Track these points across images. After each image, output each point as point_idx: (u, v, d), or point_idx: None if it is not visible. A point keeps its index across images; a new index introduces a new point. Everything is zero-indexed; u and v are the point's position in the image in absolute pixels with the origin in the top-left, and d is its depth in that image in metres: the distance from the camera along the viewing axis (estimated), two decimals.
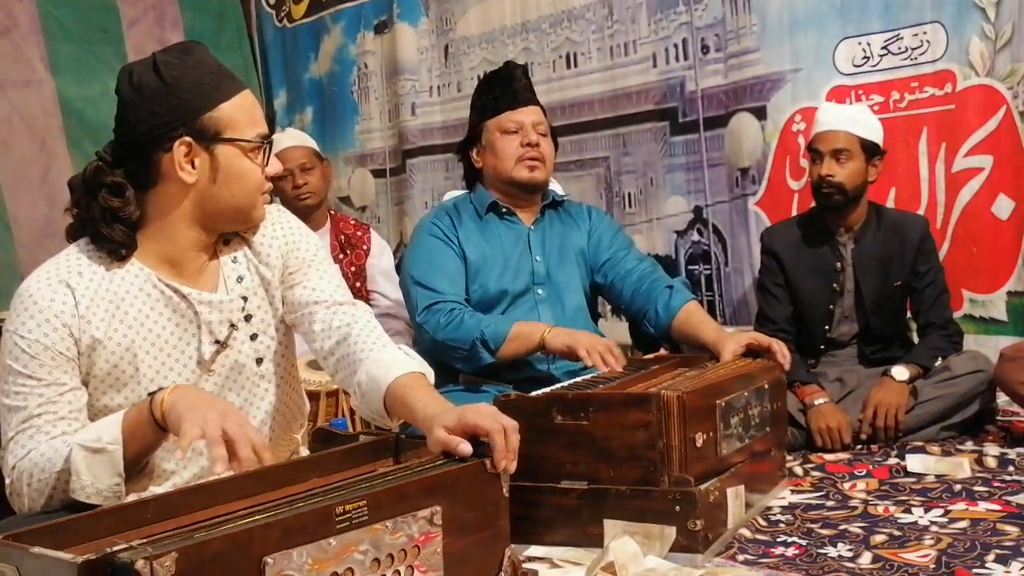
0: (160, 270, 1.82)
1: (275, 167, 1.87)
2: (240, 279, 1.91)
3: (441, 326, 2.70)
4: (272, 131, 1.98)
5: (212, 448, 1.54)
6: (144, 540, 1.25)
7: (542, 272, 2.89)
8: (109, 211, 1.76)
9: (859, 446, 2.90)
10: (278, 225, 1.97)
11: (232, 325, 1.88)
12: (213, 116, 1.76)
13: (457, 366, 2.75)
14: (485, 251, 2.85)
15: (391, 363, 1.82)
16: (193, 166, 1.77)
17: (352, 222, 4.03)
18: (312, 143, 4.05)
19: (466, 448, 1.62)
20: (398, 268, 4.08)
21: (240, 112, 1.80)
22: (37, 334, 1.72)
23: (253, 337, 1.91)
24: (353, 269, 3.86)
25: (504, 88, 2.91)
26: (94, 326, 1.75)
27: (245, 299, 1.90)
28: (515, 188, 2.89)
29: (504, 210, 2.92)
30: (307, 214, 3.82)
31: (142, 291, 1.81)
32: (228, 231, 1.90)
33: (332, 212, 4.05)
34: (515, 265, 2.86)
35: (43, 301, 1.73)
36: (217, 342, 1.86)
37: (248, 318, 1.90)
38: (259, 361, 1.93)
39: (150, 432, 1.66)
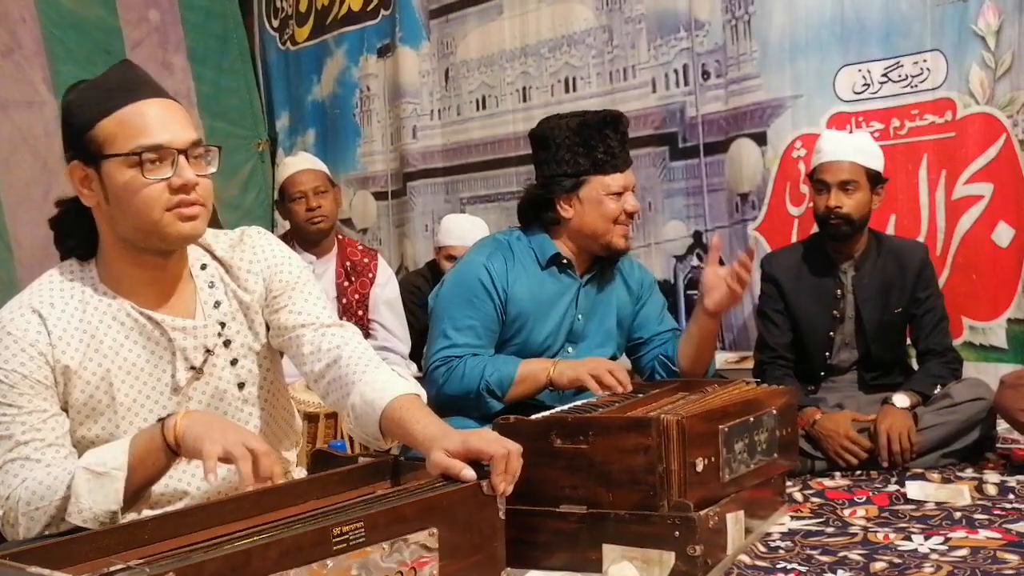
0: (133, 298, 1.80)
1: (183, 176, 1.69)
2: (217, 304, 1.88)
3: (442, 383, 2.62)
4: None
5: (242, 465, 1.54)
6: (141, 560, 1.25)
7: (579, 330, 2.81)
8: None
9: (874, 471, 2.89)
10: (258, 248, 1.94)
11: (208, 351, 1.85)
12: (92, 134, 1.70)
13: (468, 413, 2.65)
14: (534, 302, 2.74)
15: (384, 385, 1.80)
16: (92, 188, 1.73)
17: (360, 247, 3.98)
18: (324, 167, 4.01)
19: (470, 473, 1.62)
20: (411, 296, 4.05)
21: (121, 125, 1.69)
22: (14, 364, 1.70)
23: (233, 362, 1.88)
24: (357, 297, 3.81)
25: (617, 144, 2.73)
26: (68, 356, 1.74)
27: (223, 324, 1.87)
28: (604, 251, 2.77)
29: (565, 262, 2.78)
30: (318, 239, 3.83)
31: (115, 320, 1.79)
32: (161, 250, 1.78)
33: (340, 236, 3.99)
34: (558, 321, 2.77)
35: (17, 331, 1.72)
36: (192, 368, 1.83)
37: (227, 343, 1.88)
38: (241, 386, 1.90)
39: (161, 458, 1.65)
